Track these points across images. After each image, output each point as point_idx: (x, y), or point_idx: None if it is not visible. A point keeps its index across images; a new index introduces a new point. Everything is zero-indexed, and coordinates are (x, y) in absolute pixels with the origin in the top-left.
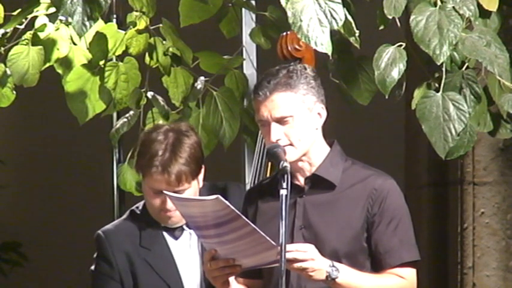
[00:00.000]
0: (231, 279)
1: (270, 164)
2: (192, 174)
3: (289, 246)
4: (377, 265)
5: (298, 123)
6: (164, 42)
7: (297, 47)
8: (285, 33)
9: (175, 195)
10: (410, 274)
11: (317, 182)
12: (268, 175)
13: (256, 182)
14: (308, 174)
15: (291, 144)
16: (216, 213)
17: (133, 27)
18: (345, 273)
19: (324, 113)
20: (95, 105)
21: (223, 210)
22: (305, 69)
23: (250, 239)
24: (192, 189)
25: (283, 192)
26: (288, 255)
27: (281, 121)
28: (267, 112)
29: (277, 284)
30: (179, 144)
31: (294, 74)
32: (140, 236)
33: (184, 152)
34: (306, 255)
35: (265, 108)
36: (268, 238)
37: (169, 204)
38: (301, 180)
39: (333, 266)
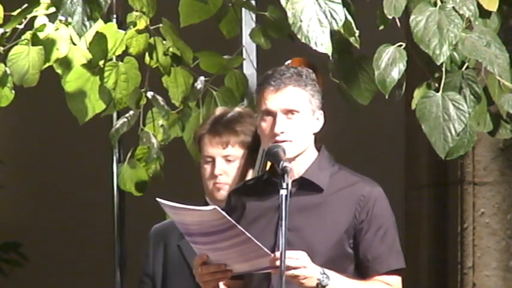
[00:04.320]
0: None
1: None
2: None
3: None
4: (363, 271)
5: (301, 121)
6: (164, 42)
7: None
8: (286, 63)
9: (173, 205)
10: (396, 281)
11: (304, 185)
12: None
13: None
14: (296, 176)
15: (290, 140)
16: (212, 222)
17: (134, 27)
18: (335, 280)
19: (322, 120)
20: (95, 105)
21: (219, 220)
22: (311, 73)
23: (244, 247)
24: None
25: (283, 192)
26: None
27: (288, 114)
28: (277, 103)
29: (258, 286)
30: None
31: (303, 74)
32: None
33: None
34: (298, 262)
35: (276, 99)
36: (261, 246)
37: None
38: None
39: (324, 273)
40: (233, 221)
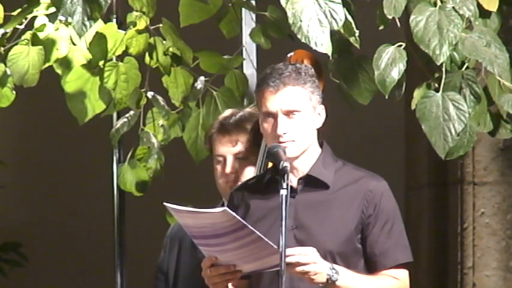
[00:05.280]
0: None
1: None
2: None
3: (290, 250)
4: (371, 266)
5: (303, 120)
6: (164, 42)
7: None
8: (289, 55)
9: (183, 208)
10: (404, 275)
11: (311, 183)
12: None
13: None
14: (301, 174)
15: (293, 140)
16: (222, 224)
17: (134, 27)
18: (344, 275)
19: (324, 115)
20: (95, 106)
21: (229, 221)
22: (310, 68)
23: (253, 246)
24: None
25: (283, 192)
26: (291, 259)
27: (289, 115)
28: (277, 104)
29: (268, 284)
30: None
31: (301, 71)
32: None
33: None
34: (308, 258)
35: (276, 100)
36: (271, 244)
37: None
38: (293, 181)
39: (333, 268)
40: (243, 221)
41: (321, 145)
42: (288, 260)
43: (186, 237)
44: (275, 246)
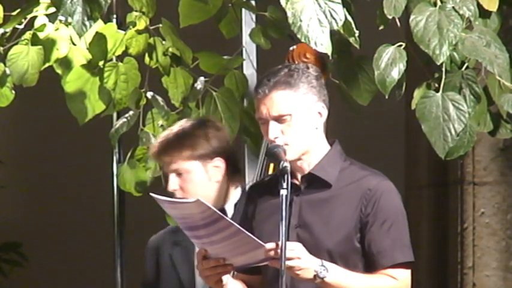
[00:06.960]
0: (226, 277)
1: (273, 164)
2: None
3: (274, 245)
4: (370, 266)
5: (296, 122)
6: (164, 42)
7: (304, 59)
8: (291, 48)
9: (163, 198)
10: (403, 275)
11: (313, 181)
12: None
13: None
14: (305, 173)
15: (287, 144)
16: (199, 215)
17: (133, 27)
18: (334, 272)
19: (325, 113)
20: (95, 106)
21: (205, 212)
22: (307, 68)
23: (236, 239)
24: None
25: (283, 192)
26: (274, 254)
27: (279, 119)
28: (266, 110)
29: (271, 282)
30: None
31: (294, 73)
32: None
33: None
34: (292, 253)
35: (264, 106)
36: (254, 237)
37: None
38: (299, 179)
39: (322, 265)
40: (219, 213)
41: (331, 144)
42: (272, 253)
43: (163, 247)
44: (258, 240)
